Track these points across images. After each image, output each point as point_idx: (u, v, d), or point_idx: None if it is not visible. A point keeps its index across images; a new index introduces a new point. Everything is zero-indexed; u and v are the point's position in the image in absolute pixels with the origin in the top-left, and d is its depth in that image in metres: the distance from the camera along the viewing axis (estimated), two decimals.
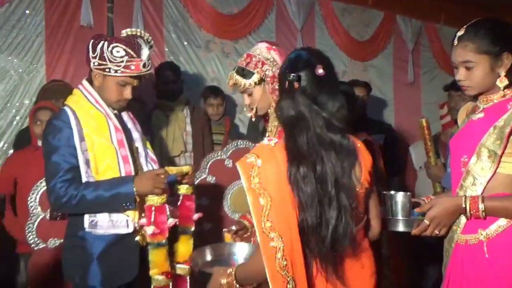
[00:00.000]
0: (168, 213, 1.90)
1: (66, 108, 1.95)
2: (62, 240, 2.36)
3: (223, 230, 2.07)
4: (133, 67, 1.90)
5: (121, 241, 1.92)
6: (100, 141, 1.91)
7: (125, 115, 2.10)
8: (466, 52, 1.59)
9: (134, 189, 1.82)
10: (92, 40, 1.95)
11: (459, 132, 1.74)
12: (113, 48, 1.90)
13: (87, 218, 1.87)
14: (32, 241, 2.46)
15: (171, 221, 1.90)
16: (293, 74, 1.41)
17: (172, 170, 1.97)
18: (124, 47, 1.90)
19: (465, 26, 1.63)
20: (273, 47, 2.05)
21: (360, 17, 5.10)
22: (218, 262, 1.64)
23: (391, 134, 3.69)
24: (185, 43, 4.11)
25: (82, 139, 1.87)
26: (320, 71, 1.41)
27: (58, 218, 2.39)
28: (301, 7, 4.60)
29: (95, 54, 1.92)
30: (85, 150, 1.87)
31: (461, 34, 1.62)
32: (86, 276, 1.87)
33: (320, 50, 1.57)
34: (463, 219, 1.61)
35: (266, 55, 2.00)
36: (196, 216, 2.05)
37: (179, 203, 2.04)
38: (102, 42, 1.91)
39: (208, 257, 1.69)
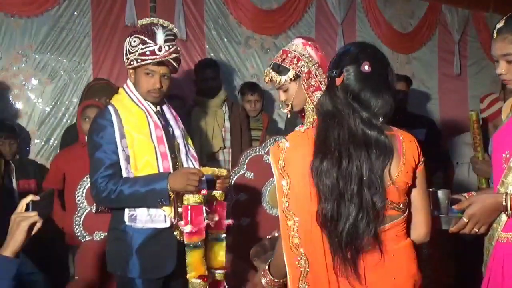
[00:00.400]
0: (204, 214, 1.92)
1: (109, 106, 2.02)
2: (106, 233, 2.48)
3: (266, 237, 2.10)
4: (148, 53, 1.93)
5: (159, 235, 1.98)
6: (140, 138, 1.96)
7: (167, 112, 2.15)
8: (505, 44, 1.54)
9: (168, 185, 1.87)
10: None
11: (502, 127, 1.69)
12: (131, 39, 1.96)
13: (127, 212, 1.95)
14: (79, 233, 2.57)
15: (206, 222, 1.92)
16: (335, 70, 1.43)
17: (207, 170, 2.01)
18: (138, 35, 1.95)
19: (504, 18, 1.58)
20: (309, 42, 2.05)
21: (403, 8, 4.97)
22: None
23: (434, 128, 3.60)
24: (225, 39, 4.16)
25: (122, 136, 1.94)
26: (366, 67, 1.41)
27: (102, 211, 2.49)
28: (342, 0, 4.55)
29: (124, 53, 2.01)
30: (125, 147, 1.93)
31: (500, 26, 1.57)
32: (126, 267, 1.95)
33: (374, 45, 1.54)
34: (504, 217, 1.56)
35: (301, 51, 2.00)
36: (227, 222, 2.06)
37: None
38: (127, 39, 2.00)
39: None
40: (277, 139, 3.02)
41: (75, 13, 3.62)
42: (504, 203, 1.51)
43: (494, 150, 1.67)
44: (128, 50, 1.97)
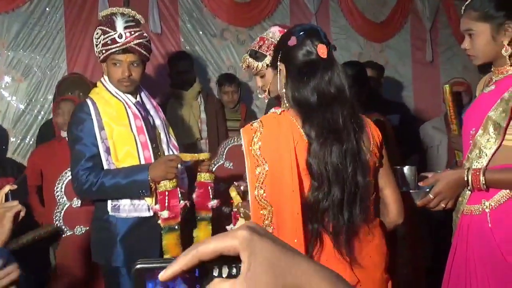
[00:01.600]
0: (179, 195, 1.97)
1: (87, 100, 2.04)
2: (87, 228, 2.48)
3: (233, 184, 2.17)
4: (109, 42, 1.94)
5: (143, 223, 2.01)
6: (119, 129, 1.99)
7: (147, 103, 2.16)
8: (469, 20, 1.62)
9: (149, 176, 1.90)
10: None
11: (472, 105, 1.76)
12: (94, 34, 2.01)
13: (109, 202, 1.98)
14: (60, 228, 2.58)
15: (182, 203, 1.97)
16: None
17: (186, 156, 2.04)
18: (100, 27, 1.99)
19: None
20: (285, 30, 2.10)
21: None
22: None
23: (407, 114, 3.69)
24: (200, 32, 4.17)
25: (101, 128, 1.96)
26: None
27: (87, 203, 2.49)
28: None
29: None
30: (105, 138, 1.96)
31: (467, 3, 1.64)
32: (111, 257, 1.98)
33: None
34: (468, 192, 1.63)
35: (278, 38, 2.05)
36: (213, 203, 2.11)
37: (196, 190, 2.11)
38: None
39: None
40: None
41: (47, 9, 3.59)
42: (465, 178, 1.59)
43: (464, 127, 1.75)
44: (95, 44, 2.00)
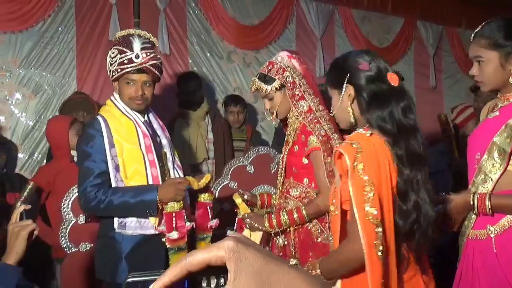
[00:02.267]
0: (185, 217, 2.00)
1: (98, 117, 2.07)
2: (92, 245, 2.49)
3: (238, 192, 2.19)
4: (126, 61, 2.00)
5: (148, 241, 2.02)
6: (129, 147, 2.01)
7: (154, 122, 2.20)
8: (478, 47, 1.67)
9: (158, 197, 1.93)
10: None
11: (476, 130, 1.80)
12: (110, 52, 2.05)
13: (116, 220, 1.99)
14: (65, 245, 2.58)
15: (189, 225, 2.00)
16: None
17: (194, 182, 2.06)
18: (116, 47, 2.03)
19: (483, 23, 1.70)
20: (294, 55, 2.19)
21: (379, 23, 5.15)
22: None
23: None
24: (208, 54, 4.26)
25: (112, 145, 1.98)
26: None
27: (92, 220, 2.50)
28: (321, 16, 4.70)
29: (107, 67, 2.08)
30: (114, 155, 1.98)
31: (477, 30, 1.69)
32: (116, 274, 1.98)
33: None
34: (474, 216, 1.65)
35: (286, 63, 2.13)
36: (212, 222, 2.14)
37: (197, 211, 2.15)
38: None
39: None
40: (260, 149, 3.09)
41: (60, 28, 3.66)
42: (471, 202, 1.61)
43: (468, 151, 1.78)
44: (109, 62, 2.04)
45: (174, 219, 1.95)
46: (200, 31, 4.22)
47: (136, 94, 2.03)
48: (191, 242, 2.09)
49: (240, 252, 0.45)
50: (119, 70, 2.00)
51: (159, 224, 2.00)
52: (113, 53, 2.02)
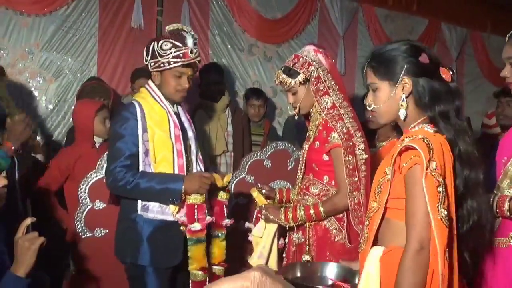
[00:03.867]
0: (206, 210, 2.05)
1: (134, 102, 2.13)
2: (107, 231, 2.50)
3: (256, 186, 2.22)
4: (181, 56, 2.07)
5: (169, 227, 2.07)
6: (160, 134, 2.08)
7: (183, 115, 2.27)
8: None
9: (183, 187, 1.97)
10: (145, 47, 2.14)
11: (506, 134, 1.76)
12: (161, 44, 2.08)
13: (139, 202, 2.05)
14: (80, 229, 2.58)
15: (209, 219, 2.05)
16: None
17: (218, 179, 2.10)
18: (170, 40, 2.08)
19: None
20: (320, 50, 2.16)
21: (403, 23, 5.08)
22: (307, 279, 1.66)
23: None
24: (229, 46, 4.23)
25: (144, 130, 2.05)
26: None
27: (114, 202, 2.48)
28: (345, 13, 4.64)
29: (149, 56, 2.12)
30: (146, 140, 2.05)
31: None
32: (138, 255, 2.05)
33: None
34: (497, 221, 1.61)
35: (312, 57, 2.10)
36: (227, 221, 2.18)
37: (213, 208, 2.18)
38: (152, 44, 2.12)
39: (298, 273, 1.71)
40: (278, 144, 3.06)
41: (83, 13, 3.66)
42: (490, 203, 1.59)
43: (497, 155, 1.74)
44: (158, 53, 2.08)
45: (196, 211, 2.00)
46: (222, 22, 4.19)
47: (184, 86, 2.12)
48: (208, 238, 2.12)
49: (266, 284, 0.45)
50: (172, 62, 2.08)
51: (178, 213, 2.05)
52: (165, 45, 2.08)
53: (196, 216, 2.00)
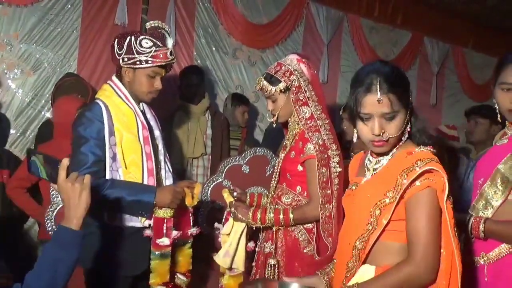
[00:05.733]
0: (191, 222, 2.03)
1: (99, 101, 1.98)
2: None
3: (227, 187, 2.14)
4: (161, 56, 1.98)
5: (135, 234, 1.98)
6: (128, 137, 1.96)
7: (148, 113, 2.15)
8: None
9: (155, 200, 1.90)
10: (116, 39, 2.01)
11: (484, 156, 1.78)
12: (141, 40, 1.96)
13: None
14: (50, 228, 2.53)
15: (176, 233, 1.98)
16: None
17: (188, 196, 2.04)
18: (150, 38, 1.98)
19: None
20: (303, 60, 2.16)
21: (387, 36, 5.14)
22: None
23: None
24: (213, 48, 4.21)
25: (111, 133, 1.92)
26: None
27: None
28: (330, 22, 4.67)
29: (122, 51, 1.97)
30: (113, 144, 1.92)
31: None
32: (98, 261, 1.92)
33: None
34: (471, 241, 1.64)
35: (295, 66, 2.10)
36: (192, 231, 2.11)
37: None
38: (128, 37, 1.97)
39: None
40: (257, 150, 3.04)
41: (66, 7, 3.58)
42: (466, 223, 1.61)
43: (474, 176, 1.76)
44: (136, 50, 1.95)
45: (165, 225, 1.93)
46: (207, 24, 4.17)
47: (158, 87, 2.03)
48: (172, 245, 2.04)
49: None
50: (149, 61, 1.97)
51: (144, 221, 1.97)
52: (146, 43, 1.96)
53: (164, 230, 1.92)
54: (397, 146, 1.41)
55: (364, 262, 1.39)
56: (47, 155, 1.41)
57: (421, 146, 1.38)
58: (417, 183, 1.31)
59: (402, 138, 1.41)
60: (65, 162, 1.35)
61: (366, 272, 1.37)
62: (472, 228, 1.59)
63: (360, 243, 1.36)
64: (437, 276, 1.29)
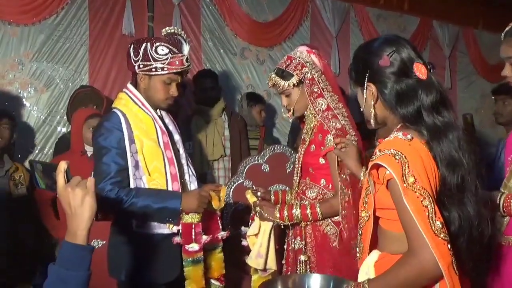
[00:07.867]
0: (220, 225, 2.00)
1: (116, 111, 1.98)
2: (104, 242, 2.43)
3: (249, 187, 2.10)
4: (177, 63, 1.94)
5: (165, 241, 1.96)
6: (148, 144, 1.95)
7: (166, 118, 2.13)
8: (509, 47, 1.59)
9: (181, 206, 1.88)
10: (132, 45, 1.99)
11: None
12: (156, 47, 1.93)
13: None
14: None
15: (206, 238, 1.96)
16: None
17: (214, 198, 2.01)
18: (166, 44, 1.95)
19: None
20: (313, 50, 2.11)
21: (395, 22, 5.08)
22: None
23: None
24: (221, 50, 4.21)
25: (132, 141, 1.91)
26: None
27: (103, 219, 2.45)
28: (336, 13, 4.63)
29: (138, 57, 1.95)
30: (134, 152, 1.91)
31: (508, 29, 1.62)
32: (131, 272, 1.92)
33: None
34: (506, 219, 1.59)
35: (306, 58, 2.06)
36: (222, 234, 2.09)
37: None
38: (144, 44, 1.94)
39: None
40: (276, 148, 3.02)
41: (73, 22, 3.61)
42: (497, 201, 1.55)
43: (505, 153, 1.71)
44: (152, 57, 1.93)
45: (193, 230, 1.91)
46: (214, 27, 4.16)
47: (174, 94, 2.00)
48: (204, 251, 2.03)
49: None
50: (165, 68, 1.93)
51: (172, 227, 1.95)
52: (162, 49, 1.93)
53: (193, 236, 1.90)
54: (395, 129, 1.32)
55: (374, 248, 1.37)
56: (46, 163, 1.32)
57: (400, 133, 1.27)
58: (384, 174, 1.23)
59: (388, 125, 1.34)
60: (62, 165, 1.15)
61: (370, 258, 1.34)
62: (504, 206, 1.54)
63: (360, 231, 1.36)
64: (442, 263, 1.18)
